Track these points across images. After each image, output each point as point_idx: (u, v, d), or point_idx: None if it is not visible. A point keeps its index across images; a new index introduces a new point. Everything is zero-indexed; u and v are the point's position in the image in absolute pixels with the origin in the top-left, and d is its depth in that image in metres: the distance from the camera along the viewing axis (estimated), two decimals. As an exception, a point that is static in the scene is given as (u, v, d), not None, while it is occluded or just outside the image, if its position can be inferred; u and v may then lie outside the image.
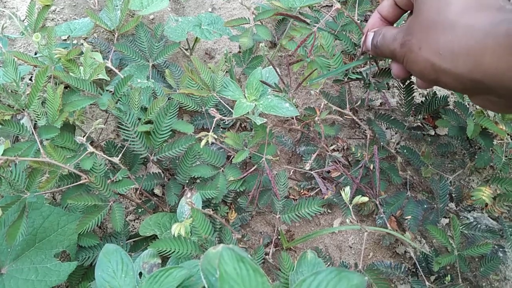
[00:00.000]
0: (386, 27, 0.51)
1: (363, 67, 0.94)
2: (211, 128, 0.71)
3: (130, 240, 0.76)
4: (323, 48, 0.75)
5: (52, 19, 1.09)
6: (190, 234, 0.63)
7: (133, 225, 0.82)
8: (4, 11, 1.07)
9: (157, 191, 0.84)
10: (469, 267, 0.72)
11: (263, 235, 0.81)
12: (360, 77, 0.68)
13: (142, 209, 0.80)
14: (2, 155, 0.66)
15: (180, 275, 0.47)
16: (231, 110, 0.80)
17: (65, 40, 1.06)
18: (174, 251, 0.59)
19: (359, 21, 0.76)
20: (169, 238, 0.60)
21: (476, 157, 0.76)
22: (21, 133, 0.69)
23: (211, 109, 0.72)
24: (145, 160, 0.83)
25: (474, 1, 0.39)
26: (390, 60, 0.62)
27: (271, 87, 0.75)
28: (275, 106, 0.69)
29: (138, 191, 0.75)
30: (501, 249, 0.75)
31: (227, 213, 0.81)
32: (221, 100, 0.80)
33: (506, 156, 0.75)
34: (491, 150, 0.76)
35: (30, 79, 1.00)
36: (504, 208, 0.75)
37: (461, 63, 0.39)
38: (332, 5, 1.00)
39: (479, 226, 0.74)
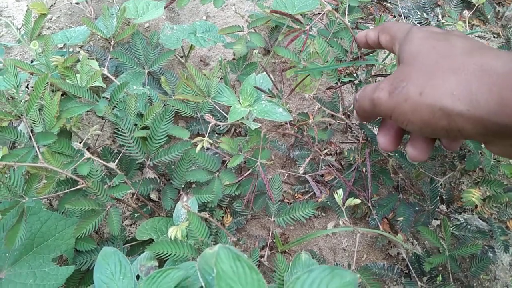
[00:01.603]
0: (365, 86, 0.46)
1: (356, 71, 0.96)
2: (206, 134, 0.72)
3: (126, 245, 0.76)
4: (317, 54, 0.77)
5: (48, 28, 1.11)
6: (186, 237, 0.65)
7: (130, 230, 0.83)
8: (0, 19, 1.08)
9: (153, 196, 0.85)
10: (460, 268, 0.73)
11: (258, 239, 0.82)
12: (352, 79, 0.69)
13: (139, 214, 0.81)
14: (1, 160, 0.67)
15: (178, 276, 0.48)
16: (226, 115, 0.81)
17: (61, 48, 1.08)
18: (171, 254, 0.60)
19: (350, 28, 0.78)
20: (166, 241, 0.61)
21: (465, 160, 0.78)
22: (18, 139, 0.70)
23: (207, 114, 0.74)
24: (141, 165, 0.84)
25: (475, 45, 0.37)
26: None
27: (265, 92, 0.77)
28: (269, 111, 0.71)
29: (134, 196, 0.76)
30: (491, 250, 0.77)
31: (223, 217, 0.82)
32: (216, 106, 0.81)
33: (495, 159, 0.77)
34: (480, 153, 0.78)
35: (27, 87, 1.01)
36: (493, 209, 0.77)
37: (483, 103, 0.33)
38: (324, 14, 1.02)
39: (469, 227, 0.76)
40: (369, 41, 0.54)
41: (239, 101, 0.76)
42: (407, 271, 0.78)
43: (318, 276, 0.42)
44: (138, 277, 0.58)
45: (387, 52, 0.88)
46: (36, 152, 0.69)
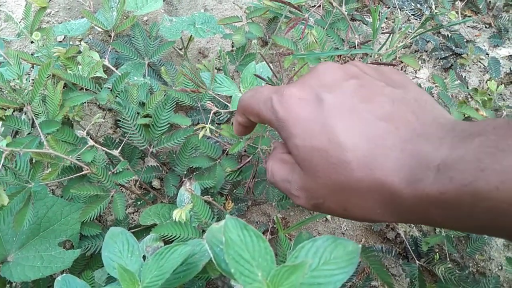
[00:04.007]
0: (271, 162, 0.40)
1: (353, 60, 0.98)
2: (206, 123, 0.74)
3: (130, 231, 0.78)
4: (315, 43, 0.79)
5: (47, 22, 1.12)
6: (190, 221, 0.66)
7: (132, 218, 0.85)
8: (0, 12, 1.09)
9: (155, 183, 0.86)
10: (456, 249, 0.76)
11: (259, 224, 0.84)
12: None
13: (142, 201, 0.82)
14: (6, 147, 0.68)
15: (185, 251, 0.50)
16: (226, 104, 0.83)
17: (60, 41, 1.09)
18: (175, 236, 0.62)
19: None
20: (170, 224, 0.63)
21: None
22: (22, 127, 0.71)
23: (208, 102, 0.76)
24: (143, 154, 0.86)
25: (371, 149, 0.31)
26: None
27: (264, 80, 0.78)
28: (269, 97, 0.72)
29: (137, 183, 0.78)
30: (485, 231, 0.79)
31: (224, 203, 0.83)
32: (216, 96, 0.82)
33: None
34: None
35: (27, 79, 1.02)
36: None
37: (409, 219, 0.32)
38: (320, 5, 1.04)
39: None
40: (245, 124, 0.44)
41: (239, 89, 0.77)
42: (404, 254, 0.80)
43: (322, 245, 0.43)
44: (144, 257, 0.59)
45: (383, 41, 0.91)
46: (40, 140, 0.70)
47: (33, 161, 0.70)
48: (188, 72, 0.78)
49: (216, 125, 0.95)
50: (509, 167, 0.24)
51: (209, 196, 0.67)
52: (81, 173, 0.68)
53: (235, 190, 0.83)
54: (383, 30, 1.05)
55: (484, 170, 0.25)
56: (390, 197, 0.30)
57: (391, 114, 0.32)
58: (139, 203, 0.84)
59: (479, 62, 1.01)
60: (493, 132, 0.27)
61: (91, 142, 0.70)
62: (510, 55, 1.02)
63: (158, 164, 0.84)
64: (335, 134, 0.32)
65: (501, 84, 0.96)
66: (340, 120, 0.32)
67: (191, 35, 0.99)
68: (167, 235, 0.62)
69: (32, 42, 1.10)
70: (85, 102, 0.95)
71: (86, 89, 0.79)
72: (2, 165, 0.61)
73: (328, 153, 0.32)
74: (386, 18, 1.08)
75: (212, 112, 0.75)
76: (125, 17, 1.10)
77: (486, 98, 0.78)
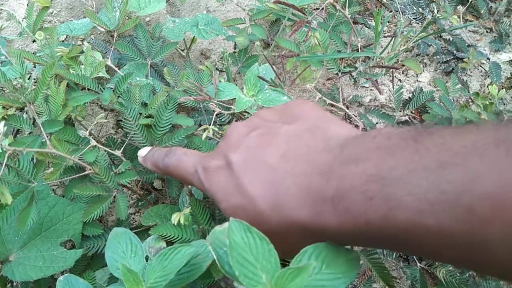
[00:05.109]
0: None
1: (355, 63, 0.98)
2: (211, 123, 0.74)
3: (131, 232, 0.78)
4: (317, 45, 0.79)
5: (49, 21, 1.12)
6: (190, 223, 0.66)
7: (133, 218, 0.85)
8: (1, 11, 1.09)
9: (157, 184, 0.87)
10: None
11: (260, 226, 0.84)
12: (352, 69, 0.72)
13: (143, 202, 0.82)
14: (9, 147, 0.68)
15: (189, 252, 0.50)
16: (227, 106, 0.83)
17: (62, 41, 1.09)
18: (174, 236, 0.62)
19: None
20: (170, 224, 0.63)
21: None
22: (23, 127, 0.71)
23: (211, 103, 0.76)
24: (145, 155, 0.86)
25: (275, 192, 0.34)
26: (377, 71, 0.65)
27: (268, 82, 0.78)
28: (273, 99, 0.73)
29: (139, 183, 0.78)
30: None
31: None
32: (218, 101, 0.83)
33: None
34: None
35: (28, 79, 1.02)
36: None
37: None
38: (323, 8, 1.05)
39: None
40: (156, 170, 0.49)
41: (243, 91, 0.77)
42: (405, 256, 0.81)
43: (323, 250, 0.43)
44: (147, 258, 0.60)
45: (385, 44, 0.91)
46: (43, 139, 0.70)
47: (34, 160, 0.70)
48: (192, 84, 0.78)
49: (218, 126, 0.95)
50: (392, 194, 0.25)
51: (208, 200, 0.68)
52: (84, 173, 0.68)
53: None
54: (385, 33, 1.05)
55: (372, 199, 0.26)
56: (305, 232, 0.33)
57: (286, 153, 0.34)
58: (140, 203, 0.84)
59: (480, 66, 1.01)
60: (375, 154, 0.28)
61: (93, 142, 0.70)
62: (511, 60, 1.02)
63: (160, 165, 0.84)
64: (245, 189, 0.34)
65: (502, 88, 0.96)
66: (247, 174, 0.35)
67: (193, 36, 0.99)
68: (168, 235, 0.62)
69: (34, 41, 1.10)
70: (87, 102, 0.95)
71: (88, 89, 0.79)
72: (5, 164, 0.61)
73: (246, 208, 0.35)
74: (388, 22, 1.09)
75: (215, 113, 0.75)
76: (127, 18, 1.10)
77: (487, 103, 0.78)
